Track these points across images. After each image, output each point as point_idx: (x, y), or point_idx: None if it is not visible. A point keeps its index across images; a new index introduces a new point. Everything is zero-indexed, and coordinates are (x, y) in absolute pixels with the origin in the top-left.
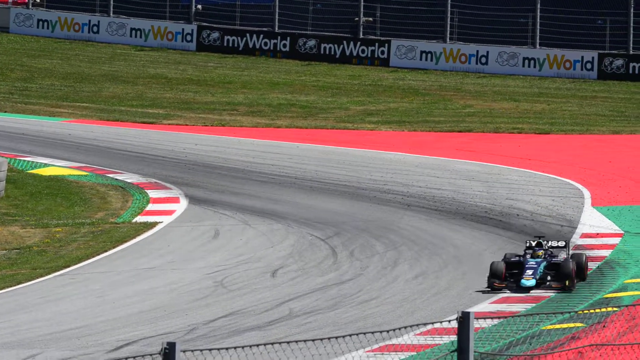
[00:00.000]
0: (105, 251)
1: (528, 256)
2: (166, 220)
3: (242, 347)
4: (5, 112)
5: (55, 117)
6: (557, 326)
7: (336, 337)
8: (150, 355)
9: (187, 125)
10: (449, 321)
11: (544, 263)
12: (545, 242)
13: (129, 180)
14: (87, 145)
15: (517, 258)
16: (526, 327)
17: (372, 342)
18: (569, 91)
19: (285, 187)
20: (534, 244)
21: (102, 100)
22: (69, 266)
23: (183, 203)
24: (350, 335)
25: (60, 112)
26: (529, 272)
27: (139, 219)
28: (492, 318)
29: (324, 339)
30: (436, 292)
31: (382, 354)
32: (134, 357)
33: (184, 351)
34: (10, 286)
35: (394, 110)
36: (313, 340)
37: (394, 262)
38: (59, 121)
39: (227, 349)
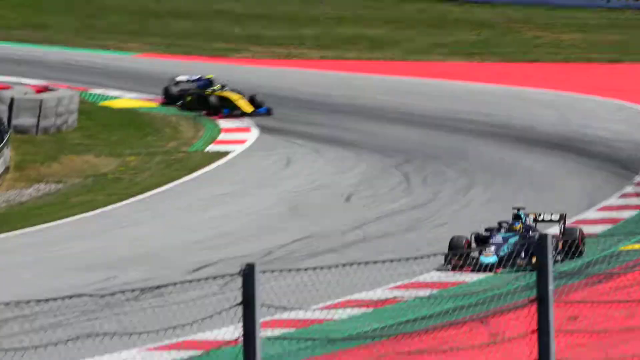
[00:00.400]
0: (179, 178)
1: (502, 230)
2: (238, 149)
3: (321, 268)
4: (76, 46)
5: (125, 51)
6: (636, 246)
7: (414, 258)
8: (230, 275)
9: (255, 58)
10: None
11: (515, 238)
12: (537, 214)
13: (200, 111)
14: (157, 79)
15: (487, 232)
16: (604, 248)
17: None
18: (639, 22)
19: (354, 116)
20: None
21: (171, 34)
22: (143, 193)
23: (254, 132)
24: (428, 256)
25: (130, 46)
26: (491, 248)
27: (211, 148)
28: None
29: (400, 259)
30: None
31: (461, 273)
32: (214, 278)
33: (263, 272)
34: (88, 211)
35: (462, 42)
36: (391, 261)
37: (467, 188)
38: (129, 55)
39: (305, 269)
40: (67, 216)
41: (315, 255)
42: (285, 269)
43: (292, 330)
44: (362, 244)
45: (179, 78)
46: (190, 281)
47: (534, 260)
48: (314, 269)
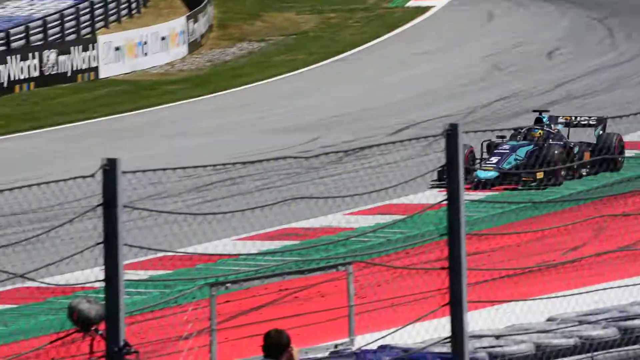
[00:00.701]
0: (380, 36)
1: (518, 138)
2: (439, 4)
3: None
4: None
5: None
6: None
7: (620, 117)
8: (434, 136)
9: None
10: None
11: (528, 147)
12: (571, 117)
13: None
14: None
15: (499, 139)
16: None
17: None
18: None
19: None
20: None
21: None
22: (344, 51)
23: None
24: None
25: None
26: (493, 160)
27: (412, 3)
28: None
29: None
30: None
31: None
32: (417, 139)
33: (466, 132)
34: (288, 72)
35: None
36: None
37: None
38: None
39: (508, 129)
40: (269, 77)
41: (518, 115)
42: (487, 129)
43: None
44: (566, 102)
45: None
46: (394, 142)
47: (539, 175)
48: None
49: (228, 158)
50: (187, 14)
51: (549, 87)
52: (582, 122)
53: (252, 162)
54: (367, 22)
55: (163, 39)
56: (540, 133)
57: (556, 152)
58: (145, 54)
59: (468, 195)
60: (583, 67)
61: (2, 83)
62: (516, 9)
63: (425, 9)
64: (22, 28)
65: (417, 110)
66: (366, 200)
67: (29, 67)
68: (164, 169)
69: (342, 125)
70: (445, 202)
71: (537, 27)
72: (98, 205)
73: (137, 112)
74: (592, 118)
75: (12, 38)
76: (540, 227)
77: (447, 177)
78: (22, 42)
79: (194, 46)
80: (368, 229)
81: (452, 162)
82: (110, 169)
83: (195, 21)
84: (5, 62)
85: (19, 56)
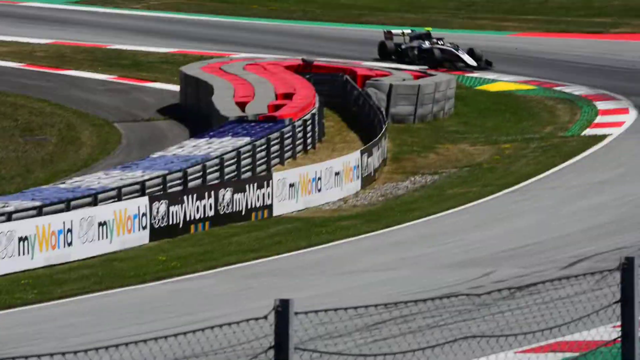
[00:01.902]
0: (555, 166)
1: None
2: (616, 132)
3: None
4: (452, 28)
5: (501, 32)
6: None
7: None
8: (609, 271)
9: (635, 33)
10: (610, 271)
11: None
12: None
13: (576, 93)
14: (534, 58)
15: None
16: None
17: None
18: None
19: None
20: None
21: (549, 11)
22: (519, 182)
23: (632, 113)
24: None
25: (506, 25)
26: None
27: (588, 132)
28: None
29: None
30: None
31: None
32: (592, 274)
33: None
34: (462, 205)
35: None
36: None
37: None
38: (505, 35)
39: None
40: (442, 210)
41: None
42: None
43: None
44: None
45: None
46: (568, 277)
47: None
48: None
49: (399, 295)
50: (362, 148)
51: None
52: None
53: (424, 301)
54: (542, 151)
55: (337, 174)
56: None
57: None
58: (319, 190)
59: None
60: None
61: (178, 224)
62: None
63: (602, 137)
64: (198, 167)
65: (593, 242)
66: (538, 337)
67: (204, 206)
68: (336, 309)
69: (515, 259)
70: (619, 339)
71: None
72: (270, 348)
73: (309, 249)
74: None
75: (189, 177)
76: None
77: (622, 315)
78: (198, 181)
79: (367, 180)
80: None
81: (627, 298)
82: (282, 310)
83: (370, 155)
84: (181, 203)
85: (195, 195)
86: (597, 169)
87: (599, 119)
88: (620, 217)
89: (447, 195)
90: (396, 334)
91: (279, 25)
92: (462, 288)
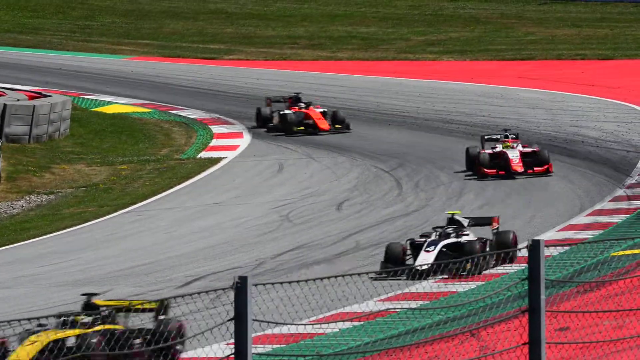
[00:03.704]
0: (171, 187)
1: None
2: (230, 155)
3: (314, 280)
4: (68, 50)
5: (117, 55)
6: (627, 252)
7: (404, 269)
8: (223, 289)
9: (248, 60)
10: (519, 249)
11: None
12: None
13: (192, 116)
14: (150, 82)
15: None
16: (596, 254)
17: (442, 271)
18: (632, 15)
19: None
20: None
21: (163, 36)
22: (135, 203)
23: (247, 138)
24: (420, 266)
25: (122, 49)
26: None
27: (204, 154)
28: (561, 245)
29: (392, 270)
30: (503, 221)
31: (453, 283)
32: (207, 292)
33: (256, 285)
34: (79, 224)
35: (455, 40)
36: (380, 272)
37: (459, 193)
38: (121, 59)
39: (297, 282)
40: (58, 229)
41: (307, 266)
42: (277, 282)
43: (282, 346)
44: (355, 253)
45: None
46: (183, 296)
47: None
48: (306, 281)
49: (17, 313)
50: None
51: (337, 239)
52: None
53: (38, 318)
54: (158, 173)
55: None
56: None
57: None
58: None
59: (255, 349)
60: (372, 218)
61: None
62: (306, 161)
63: (217, 160)
64: None
65: (207, 262)
66: (158, 354)
67: None
68: None
69: (132, 278)
70: (232, 356)
71: (327, 178)
72: None
73: None
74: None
75: None
76: None
77: (235, 333)
78: None
79: None
80: None
81: (240, 316)
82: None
83: None
84: None
85: None
86: (212, 190)
87: (214, 142)
88: (234, 237)
89: (64, 215)
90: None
91: None
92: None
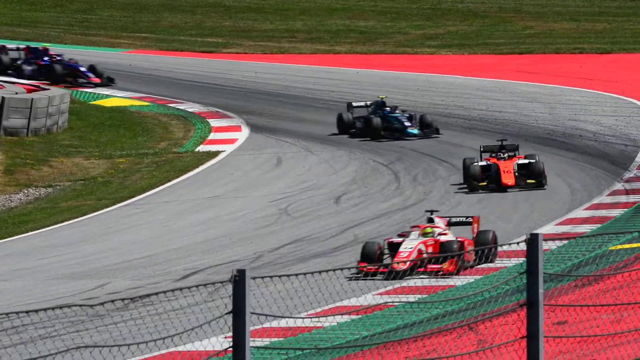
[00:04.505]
0: (169, 181)
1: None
2: (228, 149)
3: (312, 274)
4: (66, 43)
5: (115, 48)
6: (625, 246)
7: (403, 262)
8: (221, 282)
9: (246, 53)
10: (517, 243)
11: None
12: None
13: (190, 110)
14: (148, 76)
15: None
16: (594, 248)
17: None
18: (630, 9)
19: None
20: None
21: (162, 30)
22: (133, 196)
23: (245, 131)
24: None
25: (120, 42)
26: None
27: (202, 148)
28: (560, 239)
29: (390, 264)
30: (501, 214)
31: (451, 277)
32: (205, 285)
33: (254, 278)
34: (77, 217)
35: (454, 34)
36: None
37: (457, 188)
38: (119, 52)
39: (296, 275)
40: (56, 222)
41: (305, 260)
42: (276, 275)
43: (280, 339)
44: (353, 247)
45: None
46: (181, 289)
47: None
48: (305, 274)
49: (11, 306)
50: None
51: (335, 232)
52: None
53: (36, 311)
54: (156, 167)
55: None
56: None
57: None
58: None
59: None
60: (370, 212)
61: None
62: (305, 154)
63: (215, 153)
64: None
65: (206, 255)
66: (152, 347)
67: None
68: None
69: (129, 271)
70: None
71: (326, 171)
72: None
73: None
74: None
75: None
76: None
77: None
78: None
79: None
80: None
81: (238, 310)
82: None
83: None
84: None
85: None
86: (210, 184)
87: (212, 135)
88: (232, 231)
89: (62, 208)
90: (7, 344)
91: None
92: (77, 299)
